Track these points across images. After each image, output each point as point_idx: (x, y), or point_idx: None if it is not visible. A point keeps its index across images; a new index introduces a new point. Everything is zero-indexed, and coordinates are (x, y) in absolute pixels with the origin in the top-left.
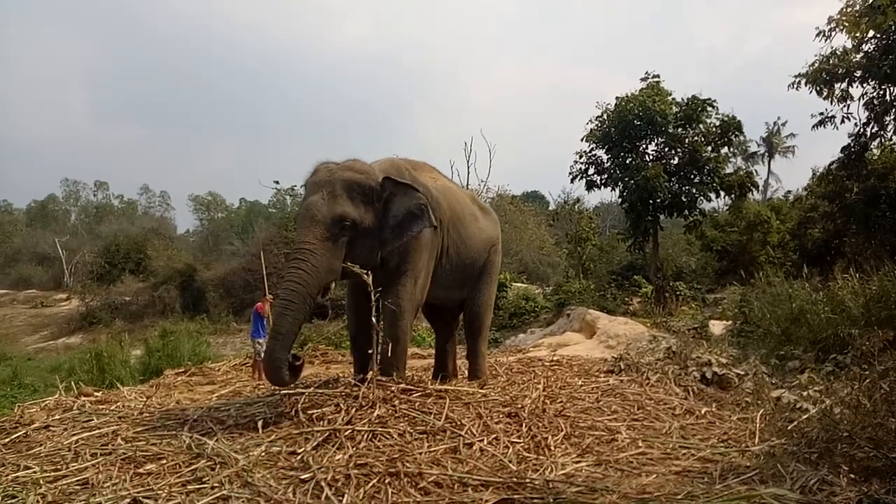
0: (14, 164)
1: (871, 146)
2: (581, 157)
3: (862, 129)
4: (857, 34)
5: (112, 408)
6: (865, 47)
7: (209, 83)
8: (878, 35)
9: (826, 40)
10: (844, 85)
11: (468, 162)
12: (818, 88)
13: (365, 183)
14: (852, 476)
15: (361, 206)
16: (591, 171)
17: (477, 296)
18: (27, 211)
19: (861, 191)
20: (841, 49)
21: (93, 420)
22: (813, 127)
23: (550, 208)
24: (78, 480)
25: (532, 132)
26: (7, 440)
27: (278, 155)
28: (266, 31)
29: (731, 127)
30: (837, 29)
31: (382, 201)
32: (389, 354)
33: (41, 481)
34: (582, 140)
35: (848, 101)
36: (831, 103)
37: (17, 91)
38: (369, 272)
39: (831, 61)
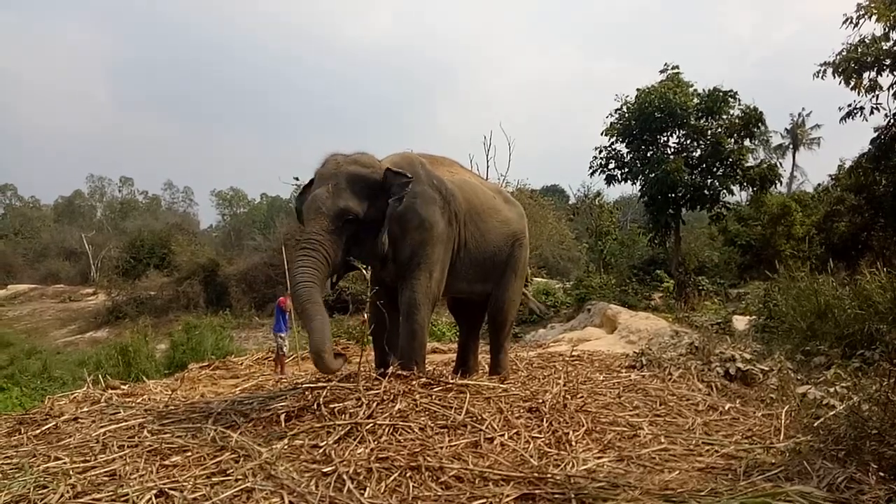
0: (41, 160)
1: None
2: (601, 151)
3: (892, 120)
4: (890, 19)
5: (138, 401)
6: (895, 35)
7: (230, 78)
8: None
9: (854, 27)
10: (873, 74)
11: (487, 156)
12: (845, 78)
13: (370, 177)
14: (881, 474)
15: (365, 200)
16: (611, 165)
17: (500, 291)
18: (54, 206)
19: (889, 183)
20: (870, 36)
21: (120, 412)
22: (841, 119)
23: (570, 202)
24: (106, 472)
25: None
26: (38, 431)
27: (299, 149)
28: (288, 24)
29: (753, 119)
30: (867, 15)
31: (387, 194)
32: (407, 348)
33: (71, 472)
34: (602, 134)
35: (877, 91)
36: (858, 93)
37: (42, 87)
38: (368, 268)
39: (859, 49)
